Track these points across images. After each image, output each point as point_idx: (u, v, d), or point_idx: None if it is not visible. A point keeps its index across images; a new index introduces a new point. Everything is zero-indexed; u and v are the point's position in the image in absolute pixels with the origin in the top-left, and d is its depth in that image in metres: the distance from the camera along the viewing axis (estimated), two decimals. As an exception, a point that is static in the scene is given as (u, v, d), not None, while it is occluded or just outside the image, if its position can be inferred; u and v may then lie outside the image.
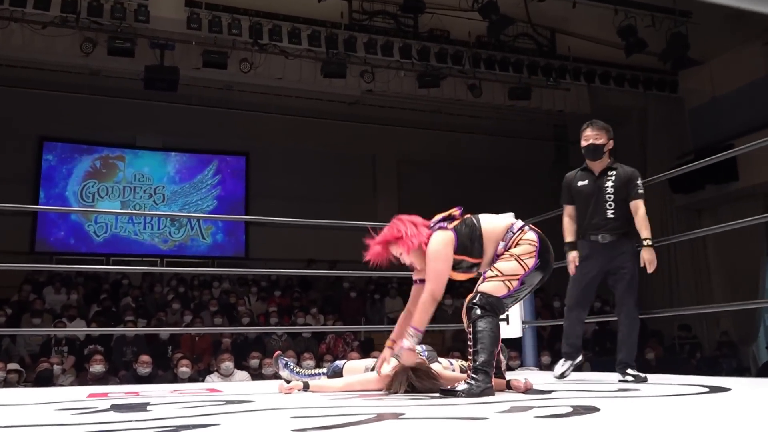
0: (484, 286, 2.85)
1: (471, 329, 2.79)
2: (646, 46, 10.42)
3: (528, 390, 2.89)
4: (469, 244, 2.92)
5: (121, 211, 13.30)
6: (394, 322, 11.12)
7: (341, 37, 10.30)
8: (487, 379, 2.70)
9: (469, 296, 2.86)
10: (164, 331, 8.58)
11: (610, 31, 10.42)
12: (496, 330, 2.79)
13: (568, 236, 3.85)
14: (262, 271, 11.75)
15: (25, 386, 6.57)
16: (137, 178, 13.14)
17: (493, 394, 2.71)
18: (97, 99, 11.75)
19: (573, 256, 3.78)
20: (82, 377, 7.18)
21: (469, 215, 3.02)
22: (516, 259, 2.86)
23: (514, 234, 2.93)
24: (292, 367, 3.52)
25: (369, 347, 9.05)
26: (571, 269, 3.79)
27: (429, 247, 2.90)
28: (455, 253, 2.90)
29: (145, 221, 12.95)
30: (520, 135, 13.86)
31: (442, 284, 2.88)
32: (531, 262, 2.87)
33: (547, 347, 8.52)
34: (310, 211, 10.34)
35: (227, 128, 12.91)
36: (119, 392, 3.59)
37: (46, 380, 6.77)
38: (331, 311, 10.32)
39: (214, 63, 9.92)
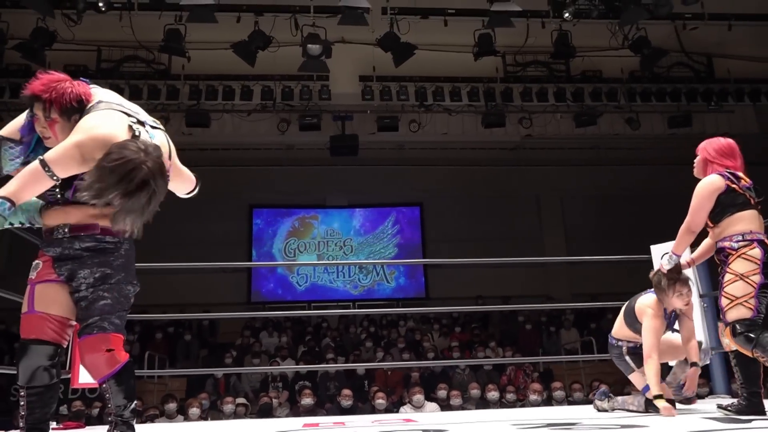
0: (731, 315, 2.71)
1: (759, 354, 2.63)
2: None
3: None
4: (720, 208, 2.88)
5: (318, 262, 14.07)
6: (570, 353, 10.55)
7: (498, 89, 10.31)
8: None
9: (727, 330, 2.72)
10: (360, 367, 8.85)
11: (771, 48, 9.45)
12: None
13: None
14: (442, 309, 11.76)
15: (251, 417, 7.06)
16: (329, 234, 13.88)
17: None
18: (292, 169, 12.70)
19: None
20: (295, 409, 7.57)
21: (747, 193, 2.89)
22: (741, 278, 2.72)
23: (742, 241, 2.78)
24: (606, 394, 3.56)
25: (548, 378, 8.67)
26: None
27: (699, 184, 2.96)
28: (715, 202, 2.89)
29: (338, 270, 13.59)
30: (684, 162, 12.79)
31: (697, 218, 2.93)
32: (757, 278, 2.71)
33: (737, 374, 7.60)
34: (480, 251, 10.26)
35: (402, 183, 13.31)
36: (328, 422, 3.73)
37: (266, 412, 7.22)
38: (509, 344, 10.05)
39: (387, 127, 10.36)
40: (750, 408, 2.80)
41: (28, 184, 2.08)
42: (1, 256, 11.26)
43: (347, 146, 10.66)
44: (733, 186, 2.89)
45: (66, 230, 2.20)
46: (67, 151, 2.06)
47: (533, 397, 7.06)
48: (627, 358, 3.40)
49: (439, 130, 10.73)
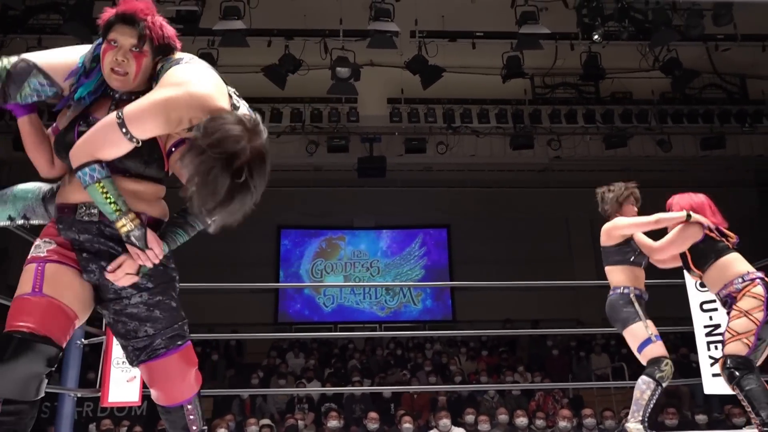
0: (728, 349, 2.81)
1: (738, 392, 2.74)
2: None
3: None
4: (700, 254, 3.02)
5: (345, 284, 14.08)
6: (600, 378, 10.29)
7: (526, 111, 10.29)
8: None
9: (720, 362, 2.83)
10: (387, 390, 8.78)
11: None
12: (761, 382, 2.72)
13: None
14: (469, 332, 11.65)
15: (276, 439, 7.03)
16: (356, 255, 13.89)
17: None
18: (320, 190, 12.78)
19: None
20: (320, 432, 7.53)
21: (724, 239, 3.03)
22: (745, 315, 2.80)
23: (743, 282, 2.87)
24: None
25: (579, 404, 8.48)
26: None
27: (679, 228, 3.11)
28: (690, 245, 3.04)
29: (365, 292, 13.57)
30: (718, 184, 12.57)
31: (666, 252, 3.13)
32: (760, 315, 2.78)
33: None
34: (508, 274, 10.14)
35: (429, 204, 13.29)
36: (354, 446, 3.70)
37: (292, 434, 7.20)
38: (537, 369, 9.88)
39: (414, 149, 10.39)
40: None
41: (98, 143, 1.59)
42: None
43: (375, 168, 10.72)
44: (711, 234, 3.04)
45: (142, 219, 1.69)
46: (153, 107, 1.56)
47: (563, 423, 6.91)
48: (636, 304, 3.19)
49: (466, 152, 10.73)
